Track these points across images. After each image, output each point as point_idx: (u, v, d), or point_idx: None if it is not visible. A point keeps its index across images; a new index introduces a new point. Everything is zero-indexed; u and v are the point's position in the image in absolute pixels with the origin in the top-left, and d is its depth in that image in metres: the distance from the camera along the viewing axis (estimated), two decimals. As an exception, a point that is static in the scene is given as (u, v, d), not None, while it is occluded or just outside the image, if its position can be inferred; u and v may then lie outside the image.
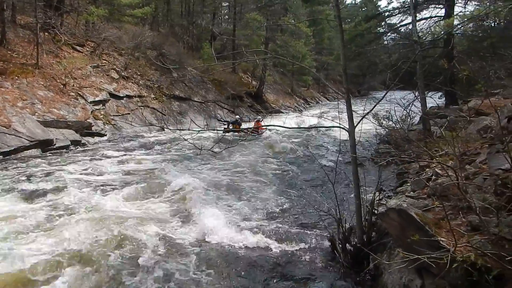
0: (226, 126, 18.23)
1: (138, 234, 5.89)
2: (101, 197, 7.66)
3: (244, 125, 18.17)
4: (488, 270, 3.05)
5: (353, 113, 5.13)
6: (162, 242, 5.78)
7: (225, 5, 42.42)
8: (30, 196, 7.61)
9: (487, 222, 3.40)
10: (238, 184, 9.18)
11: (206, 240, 6.03)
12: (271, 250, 5.72)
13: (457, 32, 15.48)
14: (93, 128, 14.70)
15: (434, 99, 11.06)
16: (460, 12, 17.45)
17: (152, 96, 20.36)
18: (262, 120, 18.87)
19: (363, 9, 59.90)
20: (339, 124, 5.21)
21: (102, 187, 8.39)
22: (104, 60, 19.83)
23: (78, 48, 19.16)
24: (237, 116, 20.01)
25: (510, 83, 9.25)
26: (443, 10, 17.05)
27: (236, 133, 14.24)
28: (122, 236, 5.75)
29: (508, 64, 10.05)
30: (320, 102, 44.98)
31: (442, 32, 14.03)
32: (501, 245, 3.21)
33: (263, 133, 16.85)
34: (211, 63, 19.50)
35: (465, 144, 6.13)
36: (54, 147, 12.31)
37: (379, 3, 62.33)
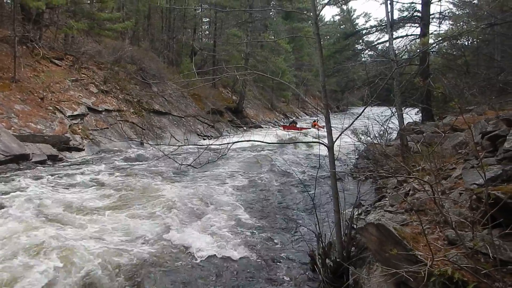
0: (287, 125, 28.82)
1: (113, 247, 5.79)
2: (71, 211, 7.52)
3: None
4: (464, 283, 3.09)
5: (332, 128, 5.20)
6: (140, 255, 5.69)
7: (205, 20, 42.80)
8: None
9: (463, 236, 3.47)
10: (216, 199, 9.13)
11: (183, 254, 5.98)
12: (250, 266, 5.68)
13: (432, 50, 15.92)
14: (71, 143, 14.43)
15: (411, 115, 11.32)
16: (435, 31, 18.01)
17: (132, 110, 20.19)
18: (318, 120, 22.28)
19: (341, 26, 61.08)
20: (319, 139, 5.27)
21: (75, 202, 8.23)
22: (83, 74, 19.61)
23: (56, 61, 18.92)
24: (293, 118, 30.33)
25: (483, 100, 9.53)
26: (419, 29, 17.52)
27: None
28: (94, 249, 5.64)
29: (481, 81, 10.39)
30: (299, 117, 45.36)
31: (418, 50, 14.42)
32: (476, 259, 3.27)
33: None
34: (191, 78, 19.58)
35: (441, 160, 6.26)
36: (31, 161, 12.03)
37: (357, 21, 63.66)
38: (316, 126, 26.51)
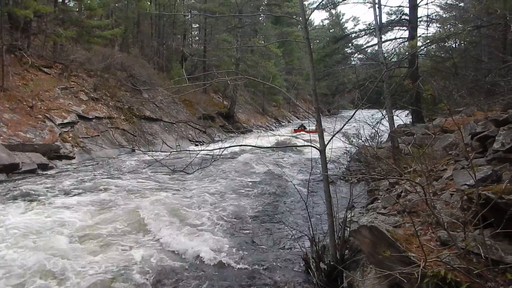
0: (296, 128, 30.90)
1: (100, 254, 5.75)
2: (58, 216, 7.48)
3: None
4: (457, 284, 3.12)
5: (324, 132, 5.22)
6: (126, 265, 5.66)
7: (195, 26, 42.80)
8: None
9: (455, 237, 3.50)
10: (208, 204, 9.10)
11: (174, 257, 5.97)
12: (243, 270, 5.67)
13: (421, 53, 16.07)
14: (61, 151, 14.32)
15: (401, 118, 11.37)
16: (423, 34, 18.20)
17: (122, 117, 20.09)
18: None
19: (331, 30, 61.51)
20: (310, 143, 5.29)
21: (63, 206, 8.16)
22: (73, 81, 19.50)
23: (45, 70, 18.78)
24: (302, 122, 32.14)
25: (472, 101, 9.62)
26: (407, 32, 17.68)
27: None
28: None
29: (470, 83, 10.49)
30: (291, 121, 45.48)
31: (407, 53, 14.54)
32: (469, 259, 3.30)
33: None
34: (182, 84, 19.59)
35: (432, 161, 6.31)
36: (20, 171, 11.91)
37: (346, 25, 64.30)
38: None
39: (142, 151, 6.16)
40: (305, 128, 30.90)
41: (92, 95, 19.50)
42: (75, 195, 9.67)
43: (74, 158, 14.79)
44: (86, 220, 7.56)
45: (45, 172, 12.53)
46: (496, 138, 4.91)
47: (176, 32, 36.53)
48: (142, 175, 12.41)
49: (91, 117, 17.98)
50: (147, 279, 5.27)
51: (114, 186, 10.57)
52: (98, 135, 17.39)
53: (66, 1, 22.43)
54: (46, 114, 15.76)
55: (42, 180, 11.24)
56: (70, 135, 15.91)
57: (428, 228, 4.19)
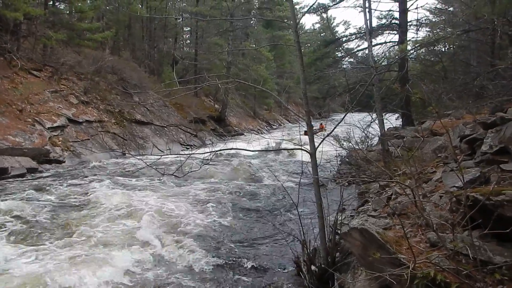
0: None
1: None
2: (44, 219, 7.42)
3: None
4: (447, 285, 3.14)
5: (314, 135, 5.24)
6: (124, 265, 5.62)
7: (186, 29, 42.75)
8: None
9: (444, 238, 3.53)
10: (198, 207, 9.08)
11: (163, 263, 5.94)
12: (235, 274, 5.66)
13: (411, 56, 16.23)
14: (51, 155, 14.18)
15: (391, 121, 11.45)
16: (413, 38, 18.43)
17: (113, 121, 19.96)
18: (325, 123, 22.45)
19: (322, 34, 61.86)
20: (301, 146, 5.31)
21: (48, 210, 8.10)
22: (63, 85, 19.33)
23: (35, 73, 18.60)
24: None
25: (461, 104, 9.73)
26: (397, 36, 17.86)
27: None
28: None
29: (458, 86, 10.62)
30: (282, 124, 45.53)
31: (397, 57, 14.69)
32: (458, 260, 3.33)
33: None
34: (173, 87, 19.52)
35: (422, 164, 6.36)
36: (9, 175, 11.78)
37: (337, 29, 64.59)
38: (324, 128, 26.82)
39: (132, 154, 6.12)
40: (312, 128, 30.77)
41: (83, 99, 19.36)
42: (66, 198, 9.58)
43: (64, 162, 14.66)
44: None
45: (35, 177, 12.41)
46: (484, 140, 4.98)
47: (167, 35, 36.45)
48: (132, 178, 12.34)
49: (81, 120, 17.84)
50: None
51: (103, 190, 10.50)
52: (89, 139, 17.26)
53: (56, 4, 22.23)
54: (36, 118, 15.61)
55: (32, 184, 11.14)
56: (60, 139, 15.77)
57: (418, 230, 4.22)
